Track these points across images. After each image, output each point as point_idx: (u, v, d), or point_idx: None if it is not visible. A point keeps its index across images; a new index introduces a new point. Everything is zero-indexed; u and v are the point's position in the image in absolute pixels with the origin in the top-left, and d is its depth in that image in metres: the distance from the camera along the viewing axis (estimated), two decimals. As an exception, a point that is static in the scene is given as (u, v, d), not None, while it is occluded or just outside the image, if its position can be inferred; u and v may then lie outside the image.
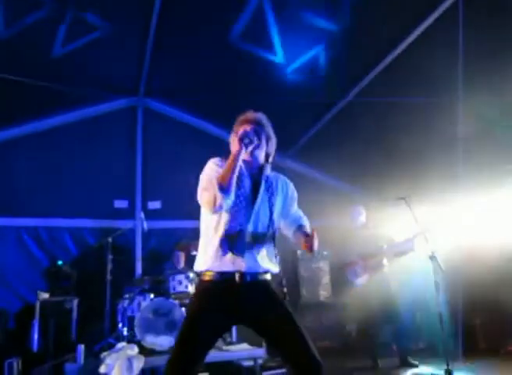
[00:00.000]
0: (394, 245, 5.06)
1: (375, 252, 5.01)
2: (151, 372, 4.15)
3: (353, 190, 7.08)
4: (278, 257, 2.32)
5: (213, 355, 4.25)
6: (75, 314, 5.05)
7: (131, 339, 4.43)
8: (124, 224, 5.98)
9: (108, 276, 5.08)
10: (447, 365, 3.81)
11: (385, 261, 5.02)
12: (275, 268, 2.32)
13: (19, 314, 5.31)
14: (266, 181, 2.34)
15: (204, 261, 2.25)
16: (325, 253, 6.48)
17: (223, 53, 5.03)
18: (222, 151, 2.33)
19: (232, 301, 2.18)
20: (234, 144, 2.22)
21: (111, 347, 4.21)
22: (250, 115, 2.38)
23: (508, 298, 4.87)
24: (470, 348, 5.11)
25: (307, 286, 6.34)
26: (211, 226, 2.25)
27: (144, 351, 4.14)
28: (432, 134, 5.00)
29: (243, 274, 2.19)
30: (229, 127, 2.47)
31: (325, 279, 6.41)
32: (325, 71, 5.19)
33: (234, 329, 5.13)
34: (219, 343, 4.61)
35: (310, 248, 2.22)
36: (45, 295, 5.07)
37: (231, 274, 2.19)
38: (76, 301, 5.12)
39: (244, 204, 2.24)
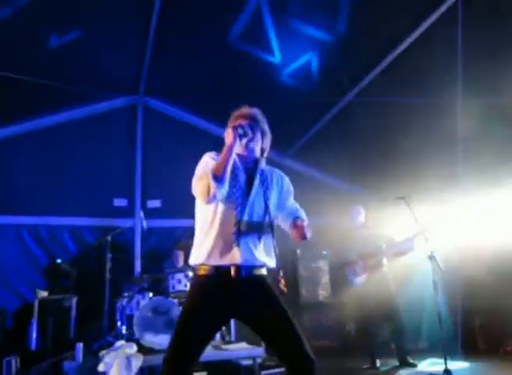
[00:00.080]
0: (393, 245, 5.05)
1: (374, 252, 5.01)
2: (149, 370, 4.15)
3: (352, 189, 7.08)
4: (276, 250, 2.30)
5: (212, 354, 4.25)
6: (74, 312, 5.05)
7: (130, 337, 4.42)
8: (123, 223, 5.98)
9: (107, 275, 5.08)
10: (446, 365, 3.82)
11: (384, 260, 5.02)
12: (271, 262, 2.31)
13: (18, 312, 5.30)
14: (261, 175, 2.35)
15: (198, 254, 2.24)
16: (324, 252, 6.49)
17: (223, 52, 5.04)
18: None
19: (228, 296, 2.17)
20: (228, 136, 2.21)
21: (110, 345, 4.20)
22: (245, 110, 2.39)
23: (507, 299, 4.87)
24: (469, 348, 5.12)
25: (306, 285, 6.34)
26: (207, 219, 2.24)
27: (143, 349, 4.13)
28: (431, 134, 5.00)
29: (238, 268, 2.18)
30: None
31: (325, 278, 6.41)
32: (325, 72, 5.19)
33: (233, 328, 5.13)
34: (218, 342, 4.61)
35: (302, 236, 2.22)
36: (44, 293, 5.07)
37: (226, 268, 2.18)
38: (75, 300, 5.12)
39: (240, 196, 2.24)
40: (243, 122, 2.31)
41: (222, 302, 2.17)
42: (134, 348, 4.03)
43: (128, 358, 3.86)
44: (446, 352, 3.94)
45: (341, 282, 5.32)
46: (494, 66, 4.10)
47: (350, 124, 5.79)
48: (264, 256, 2.27)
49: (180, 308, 4.46)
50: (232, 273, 2.18)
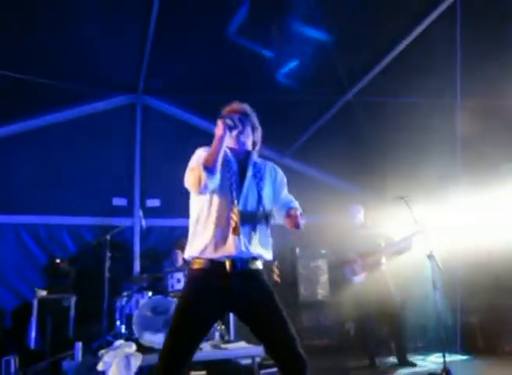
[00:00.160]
0: (392, 244, 5.06)
1: (373, 251, 5.01)
2: (148, 370, 4.15)
3: (351, 189, 7.08)
4: (271, 240, 2.33)
5: (211, 354, 4.26)
6: (73, 311, 5.05)
7: (129, 337, 4.42)
8: (123, 222, 5.97)
9: (107, 274, 5.07)
10: (445, 363, 3.83)
11: (383, 259, 5.03)
12: (267, 253, 2.31)
13: (17, 311, 5.30)
14: (254, 167, 2.37)
15: (193, 248, 2.25)
16: (323, 252, 6.49)
17: (222, 51, 5.03)
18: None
19: (223, 288, 2.17)
20: (218, 128, 2.22)
21: (109, 344, 4.20)
22: (235, 105, 2.43)
23: (506, 298, 4.89)
24: (468, 347, 5.13)
25: (305, 284, 6.34)
26: (201, 212, 2.25)
27: (142, 348, 4.13)
28: (430, 134, 5.00)
29: (233, 262, 2.18)
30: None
31: (324, 277, 6.41)
32: (324, 71, 5.18)
33: (232, 327, 5.14)
34: (217, 341, 4.62)
35: (295, 225, 2.23)
36: (43, 293, 5.07)
37: (221, 262, 2.18)
38: (74, 299, 5.12)
39: (233, 188, 2.25)
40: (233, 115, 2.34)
41: (217, 294, 2.17)
42: (133, 347, 4.03)
43: (127, 357, 3.86)
44: (445, 351, 3.94)
45: (340, 281, 5.33)
46: (493, 65, 4.10)
47: (349, 124, 5.79)
48: (260, 248, 2.27)
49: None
50: (227, 266, 2.18)
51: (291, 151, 6.88)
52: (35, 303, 4.91)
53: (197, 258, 2.23)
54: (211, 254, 2.19)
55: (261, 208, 2.29)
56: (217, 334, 4.71)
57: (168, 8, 4.45)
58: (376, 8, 4.23)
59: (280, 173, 2.50)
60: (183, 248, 5.70)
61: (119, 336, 4.52)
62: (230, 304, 2.21)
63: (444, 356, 3.86)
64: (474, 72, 4.26)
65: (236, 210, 2.19)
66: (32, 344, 4.78)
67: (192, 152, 2.37)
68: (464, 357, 4.96)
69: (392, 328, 4.99)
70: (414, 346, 5.57)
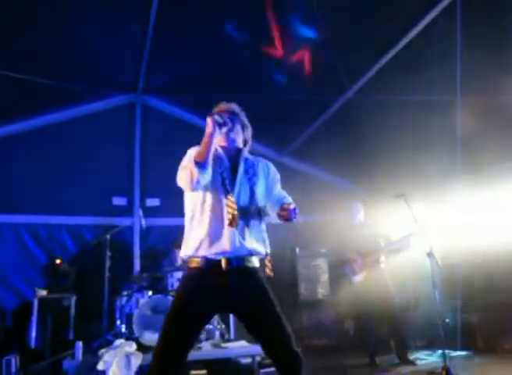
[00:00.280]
0: (392, 243, 5.06)
1: (373, 250, 5.02)
2: (148, 369, 4.15)
3: (351, 187, 7.08)
4: (266, 235, 2.35)
5: (211, 353, 4.27)
6: (73, 311, 5.06)
7: (129, 336, 4.42)
8: (122, 221, 5.98)
9: (107, 274, 5.07)
10: (445, 362, 3.83)
11: (382, 258, 5.03)
12: (262, 248, 2.32)
13: (17, 311, 5.31)
14: (246, 163, 2.40)
15: (189, 246, 2.25)
16: (323, 251, 6.49)
17: (222, 50, 5.03)
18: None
19: (219, 285, 2.17)
20: (208, 126, 2.25)
21: (109, 344, 4.20)
22: (223, 105, 2.45)
23: (506, 297, 4.89)
24: (468, 346, 5.13)
25: (305, 284, 6.34)
26: (196, 209, 2.27)
27: (142, 348, 4.13)
28: (430, 132, 5.00)
29: (228, 259, 2.19)
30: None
31: (324, 277, 6.40)
32: (324, 69, 5.18)
33: (232, 326, 5.14)
34: (217, 340, 4.62)
35: (289, 218, 2.23)
36: (43, 292, 5.08)
37: (217, 260, 2.19)
38: (74, 298, 5.13)
39: (225, 184, 2.27)
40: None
41: (213, 292, 2.18)
42: (134, 346, 4.04)
43: (127, 356, 3.86)
44: (445, 349, 3.94)
45: (340, 280, 5.33)
46: (493, 62, 4.10)
47: (348, 122, 5.79)
48: (255, 242, 2.28)
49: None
50: (223, 264, 2.19)
51: (290, 150, 6.88)
52: (35, 303, 4.92)
53: (193, 257, 2.23)
54: (206, 251, 2.20)
55: (253, 204, 2.30)
56: (217, 333, 4.71)
57: (167, 8, 4.45)
58: (376, 6, 4.22)
59: (273, 169, 2.51)
60: (180, 247, 5.70)
61: (119, 335, 4.52)
62: (227, 302, 2.21)
63: (444, 355, 3.87)
64: (475, 69, 4.26)
65: (230, 202, 2.20)
66: (32, 344, 4.78)
67: (192, 151, 2.37)
68: (464, 355, 4.96)
69: (392, 327, 4.99)
70: (414, 344, 5.58)
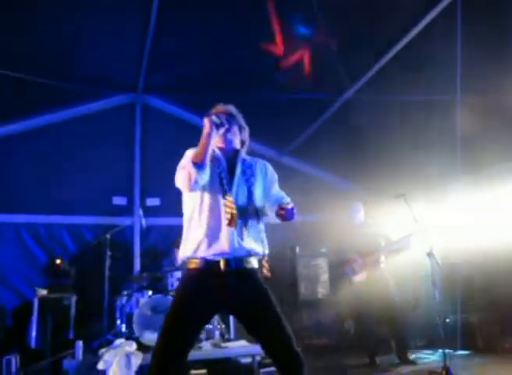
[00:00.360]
0: (392, 243, 5.06)
1: (373, 250, 5.02)
2: (149, 368, 4.15)
3: (351, 187, 7.08)
4: (264, 235, 2.36)
5: (211, 352, 4.27)
6: (73, 311, 5.06)
7: (129, 336, 4.43)
8: (123, 221, 5.98)
9: (107, 273, 5.07)
10: (445, 362, 3.83)
11: (382, 258, 5.03)
12: (260, 248, 2.32)
13: (18, 310, 5.31)
14: (243, 163, 2.41)
15: (187, 248, 2.26)
16: (323, 250, 6.49)
17: (222, 50, 5.03)
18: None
19: (218, 289, 2.18)
20: (205, 127, 2.26)
21: (109, 343, 4.21)
22: (220, 107, 2.46)
23: (506, 297, 4.89)
24: (468, 345, 5.13)
25: (305, 283, 6.33)
26: (194, 210, 2.28)
27: (142, 347, 4.14)
28: (430, 131, 5.00)
29: (227, 260, 2.20)
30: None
31: (324, 276, 6.40)
32: (323, 69, 5.18)
33: (232, 326, 5.14)
34: (217, 340, 4.62)
35: (287, 217, 2.24)
36: (43, 292, 5.08)
37: (215, 261, 2.20)
38: (74, 298, 5.13)
39: (223, 184, 2.28)
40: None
41: (212, 293, 2.18)
42: (134, 346, 4.04)
43: (128, 356, 3.87)
44: (445, 349, 3.94)
45: (340, 280, 5.33)
46: (494, 62, 4.10)
47: (348, 122, 5.79)
48: (253, 243, 2.28)
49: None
50: (222, 265, 2.20)
51: (290, 150, 6.88)
52: (36, 302, 4.92)
53: (192, 258, 2.24)
54: (204, 252, 2.20)
55: (251, 204, 2.31)
56: (217, 333, 4.72)
57: (167, 8, 4.45)
58: (376, 6, 4.22)
59: (270, 169, 2.52)
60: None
61: (119, 335, 4.53)
62: (226, 303, 2.22)
63: (444, 354, 3.87)
64: (475, 69, 4.25)
65: (229, 202, 2.21)
66: (33, 343, 4.79)
67: (192, 151, 2.38)
68: (464, 355, 4.96)
69: (393, 326, 5.00)
70: (414, 344, 5.58)
